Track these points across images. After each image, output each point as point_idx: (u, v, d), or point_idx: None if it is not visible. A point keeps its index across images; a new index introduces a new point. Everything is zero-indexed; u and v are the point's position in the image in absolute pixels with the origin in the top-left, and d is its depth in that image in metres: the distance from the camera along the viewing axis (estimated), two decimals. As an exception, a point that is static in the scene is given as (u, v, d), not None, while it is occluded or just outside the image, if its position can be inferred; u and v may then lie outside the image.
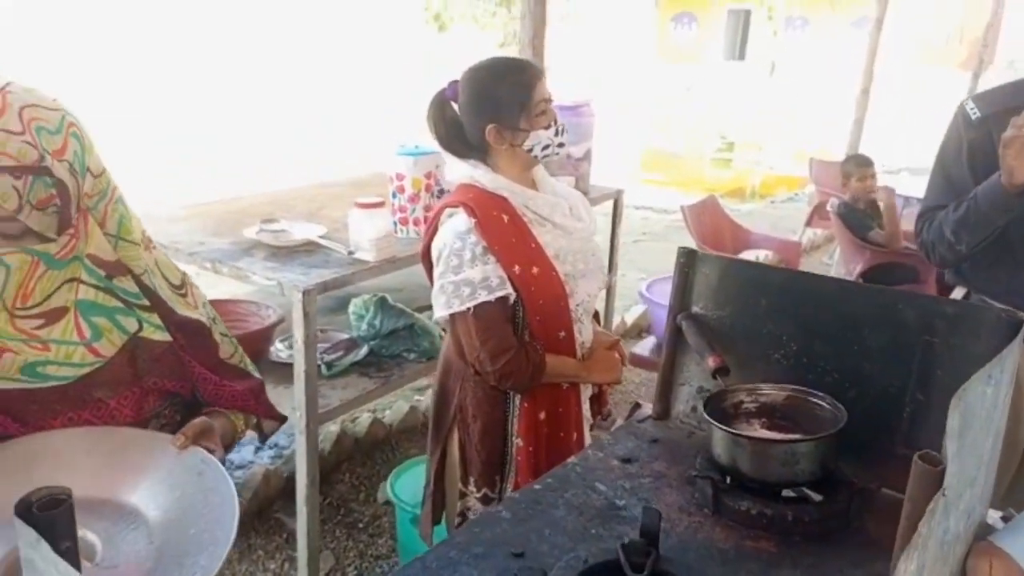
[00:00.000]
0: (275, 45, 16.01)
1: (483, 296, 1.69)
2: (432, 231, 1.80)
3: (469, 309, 1.70)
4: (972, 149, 1.99)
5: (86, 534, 1.02)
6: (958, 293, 2.26)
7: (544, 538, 1.22)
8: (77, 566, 0.62)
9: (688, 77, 20.34)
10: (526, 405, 1.82)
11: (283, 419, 1.49)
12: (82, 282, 1.15)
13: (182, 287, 1.31)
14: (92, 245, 1.14)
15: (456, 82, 1.80)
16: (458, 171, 1.84)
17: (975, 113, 1.98)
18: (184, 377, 1.30)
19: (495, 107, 1.73)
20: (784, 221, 7.22)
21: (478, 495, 1.89)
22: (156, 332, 1.24)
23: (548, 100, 1.77)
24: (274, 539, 2.77)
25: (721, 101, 17.76)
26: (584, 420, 1.95)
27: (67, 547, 0.66)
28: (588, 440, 1.95)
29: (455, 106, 1.80)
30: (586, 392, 1.96)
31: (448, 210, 1.76)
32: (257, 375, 1.44)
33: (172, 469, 1.16)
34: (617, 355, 1.93)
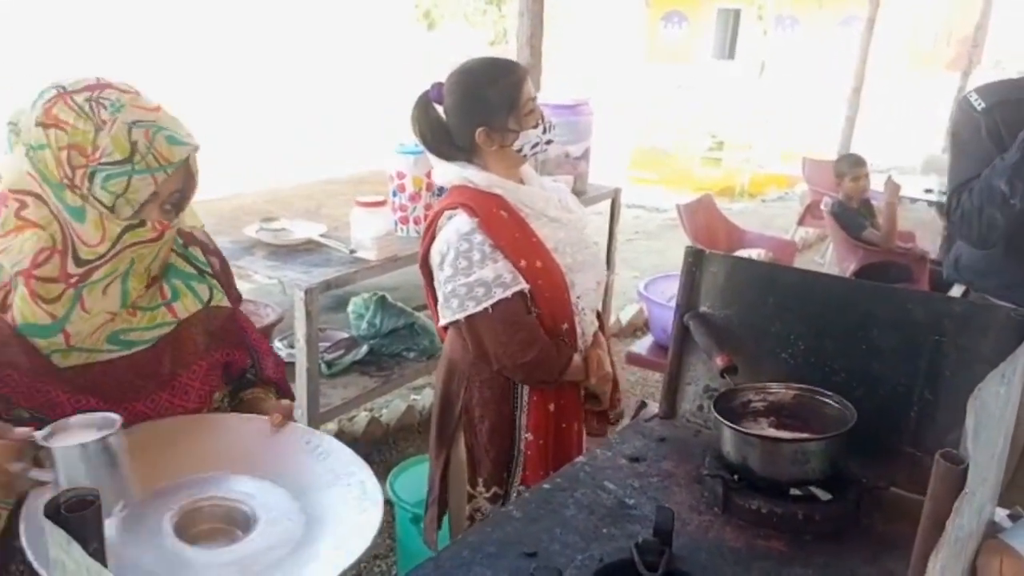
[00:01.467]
0: (268, 42, 15.95)
1: (499, 294, 1.69)
2: (430, 236, 1.78)
3: (488, 309, 1.69)
4: (988, 129, 2.00)
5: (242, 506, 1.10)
6: (956, 291, 2.28)
7: (556, 537, 1.22)
8: (106, 566, 0.62)
9: (678, 76, 20.39)
10: (535, 399, 1.82)
11: (293, 397, 1.50)
12: (171, 249, 1.21)
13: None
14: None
15: (440, 84, 1.79)
16: (447, 173, 1.81)
17: (980, 104, 2.01)
18: (244, 346, 1.33)
19: (485, 110, 1.73)
20: (776, 220, 7.25)
21: (487, 495, 1.89)
22: (223, 299, 1.28)
23: (535, 98, 1.78)
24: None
25: (711, 100, 17.82)
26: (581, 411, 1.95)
27: (95, 548, 0.66)
28: (583, 434, 1.95)
29: (439, 108, 1.79)
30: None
31: (447, 213, 1.75)
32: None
33: (281, 444, 1.22)
34: (605, 358, 1.92)
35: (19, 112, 1.07)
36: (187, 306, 1.22)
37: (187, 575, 0.97)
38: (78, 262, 1.06)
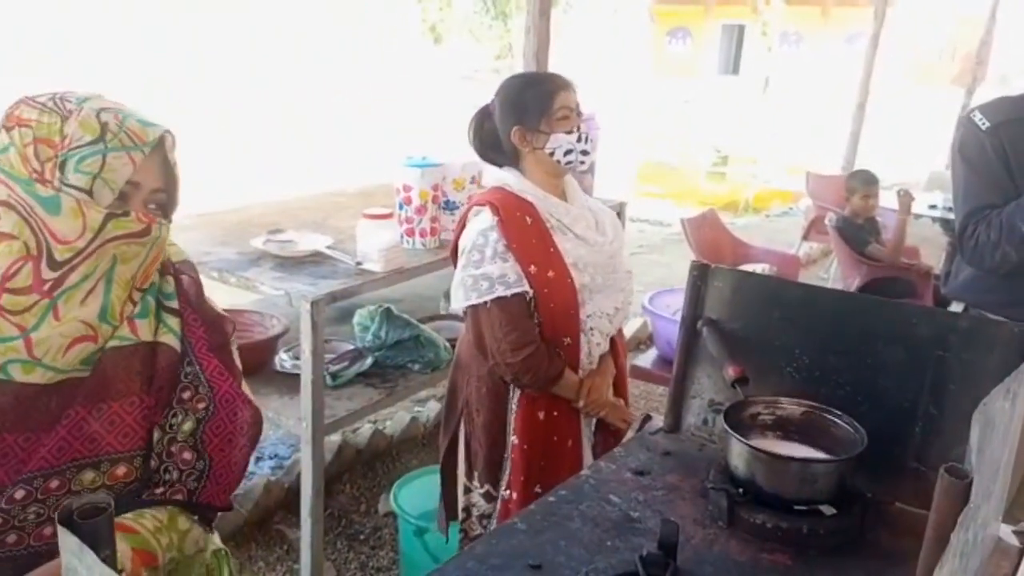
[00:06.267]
0: (275, 55, 16.04)
1: (500, 291, 1.76)
2: (461, 227, 1.89)
3: (487, 303, 1.77)
4: (993, 148, 2.01)
5: None
6: (956, 308, 2.29)
7: (561, 550, 1.22)
8: (118, 573, 0.63)
9: (684, 91, 20.47)
10: (524, 403, 1.86)
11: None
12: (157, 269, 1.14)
13: None
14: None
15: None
16: (490, 176, 1.96)
17: (984, 123, 2.01)
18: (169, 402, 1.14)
19: (520, 111, 1.84)
20: (780, 235, 7.25)
21: (481, 491, 1.93)
22: (174, 341, 1.14)
23: (572, 108, 1.85)
24: (275, 550, 2.76)
25: (716, 115, 17.87)
26: (583, 433, 1.96)
27: (107, 555, 0.67)
28: (587, 454, 1.97)
29: (495, 119, 1.89)
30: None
31: (475, 208, 1.86)
32: None
33: None
34: (603, 386, 1.92)
35: None
36: (150, 329, 1.10)
37: None
38: (53, 265, 0.97)
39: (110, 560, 0.66)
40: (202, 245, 2.46)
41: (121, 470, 1.08)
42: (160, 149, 1.05)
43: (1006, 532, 1.32)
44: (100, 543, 0.66)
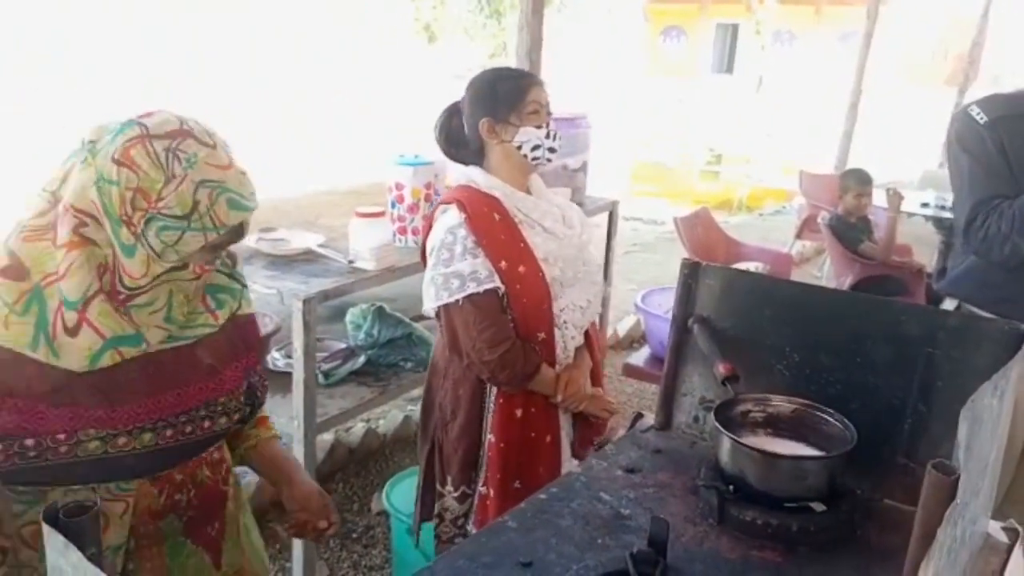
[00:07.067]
0: (268, 54, 16.01)
1: (471, 288, 1.74)
2: (428, 227, 1.88)
3: (459, 301, 1.75)
4: (993, 142, 1.99)
5: None
6: (949, 305, 2.29)
7: (551, 547, 1.22)
8: (104, 572, 0.62)
9: (677, 90, 20.48)
10: (501, 401, 1.85)
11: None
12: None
13: None
14: None
15: None
16: (456, 174, 1.93)
17: (982, 118, 2.01)
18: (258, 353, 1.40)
19: (491, 102, 1.82)
20: (773, 233, 7.27)
21: (455, 494, 1.92)
22: (250, 307, 1.36)
23: (543, 104, 1.84)
24: (267, 549, 2.75)
25: (710, 114, 17.90)
26: (562, 429, 1.94)
27: (93, 553, 0.66)
28: (567, 448, 1.96)
29: (464, 114, 1.87)
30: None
31: (442, 206, 1.84)
32: None
33: None
34: (580, 379, 1.92)
35: (99, 132, 1.11)
36: (227, 313, 1.29)
37: None
38: (123, 286, 1.12)
39: (96, 558, 0.66)
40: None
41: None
42: (237, 228, 1.17)
43: (995, 528, 1.33)
44: (86, 541, 0.65)
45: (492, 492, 1.87)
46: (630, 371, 3.34)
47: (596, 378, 2.02)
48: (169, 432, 1.20)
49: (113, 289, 1.11)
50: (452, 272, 1.75)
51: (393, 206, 2.45)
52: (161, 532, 1.23)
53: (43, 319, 1.08)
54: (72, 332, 1.08)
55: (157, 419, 1.18)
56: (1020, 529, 1.31)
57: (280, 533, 2.79)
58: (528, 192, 1.89)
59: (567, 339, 1.88)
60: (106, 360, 1.11)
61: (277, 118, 11.98)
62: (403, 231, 2.46)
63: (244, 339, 1.33)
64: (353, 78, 15.77)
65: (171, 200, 1.08)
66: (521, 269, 1.77)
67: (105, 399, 1.12)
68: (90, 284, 1.09)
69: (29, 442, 1.07)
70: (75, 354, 1.09)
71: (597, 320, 2.05)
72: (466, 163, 1.89)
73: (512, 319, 1.79)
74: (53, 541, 0.63)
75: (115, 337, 1.11)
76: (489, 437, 1.87)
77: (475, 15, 18.19)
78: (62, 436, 1.10)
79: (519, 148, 1.82)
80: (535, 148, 1.83)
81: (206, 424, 1.25)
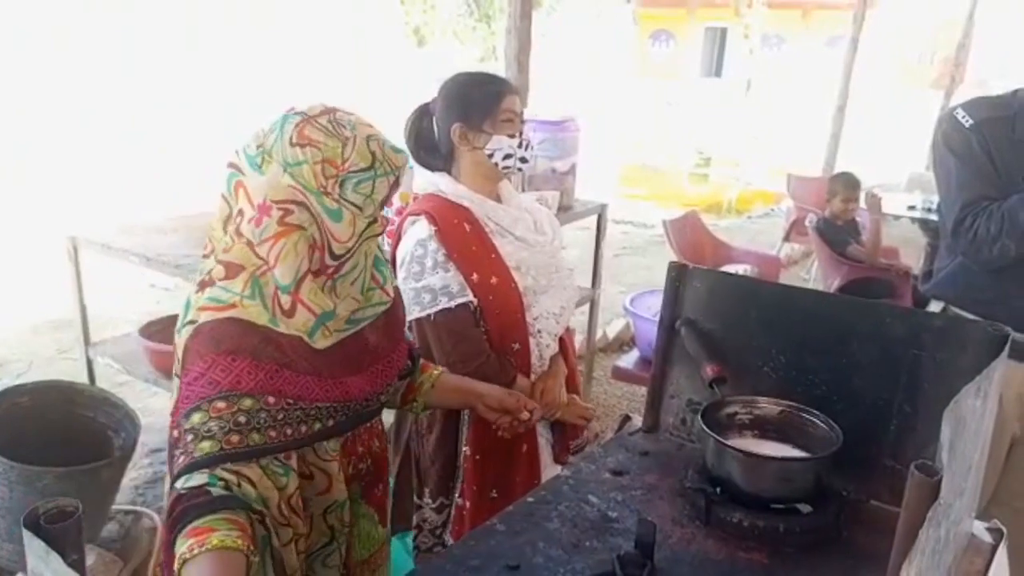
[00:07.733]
0: (255, 57, 15.97)
1: (444, 303, 1.71)
2: (397, 239, 1.83)
3: (431, 315, 1.72)
4: (979, 144, 1.99)
5: None
6: (935, 307, 2.30)
7: (539, 550, 1.22)
8: (85, 578, 0.62)
9: (666, 93, 20.54)
10: (475, 415, 1.78)
11: None
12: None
13: None
14: None
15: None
16: (423, 181, 1.87)
17: (967, 121, 2.02)
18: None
19: (464, 107, 1.78)
20: (762, 236, 7.30)
21: (434, 505, 1.89)
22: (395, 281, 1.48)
23: (516, 113, 1.80)
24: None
25: (698, 117, 17.96)
26: (541, 436, 1.92)
27: (75, 559, 0.66)
28: (546, 455, 1.94)
29: (434, 120, 1.83)
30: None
31: (411, 218, 1.80)
32: None
33: None
34: (555, 387, 1.89)
35: (261, 138, 1.22)
36: (391, 288, 1.40)
37: None
38: (332, 256, 1.23)
39: (77, 564, 0.65)
40: (181, 248, 2.44)
41: None
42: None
43: (979, 529, 1.34)
44: (67, 547, 0.65)
45: (468, 504, 1.84)
46: (619, 374, 3.34)
47: (572, 384, 1.99)
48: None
49: (322, 265, 1.22)
50: (423, 286, 1.72)
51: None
52: (353, 495, 1.37)
53: (266, 303, 1.20)
54: (288, 313, 1.20)
55: (370, 392, 1.33)
56: (1004, 529, 1.32)
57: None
58: (498, 198, 1.86)
59: (542, 347, 1.86)
60: (319, 336, 1.22)
61: (257, 120, 11.94)
62: (391, 234, 2.44)
63: (400, 306, 1.46)
64: (354, 78, 15.76)
65: (354, 158, 1.21)
66: (493, 280, 1.75)
67: (331, 374, 1.25)
68: (299, 267, 1.19)
69: (271, 400, 1.18)
70: (293, 333, 1.22)
71: (579, 323, 2.02)
72: (433, 168, 1.85)
73: (486, 331, 1.76)
74: (34, 547, 0.62)
75: (324, 313, 1.22)
76: (465, 450, 1.84)
77: (465, 18, 18.20)
78: (299, 401, 1.22)
79: (490, 156, 1.79)
80: (507, 157, 1.80)
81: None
